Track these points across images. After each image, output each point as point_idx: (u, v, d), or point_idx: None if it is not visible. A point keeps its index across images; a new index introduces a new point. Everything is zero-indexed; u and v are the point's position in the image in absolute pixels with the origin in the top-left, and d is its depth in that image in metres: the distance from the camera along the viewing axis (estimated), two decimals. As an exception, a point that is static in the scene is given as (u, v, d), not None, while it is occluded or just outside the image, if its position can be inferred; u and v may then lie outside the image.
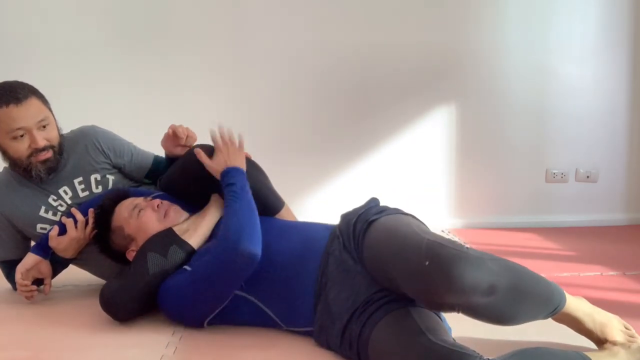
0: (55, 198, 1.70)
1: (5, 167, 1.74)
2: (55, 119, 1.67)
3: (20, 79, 2.84)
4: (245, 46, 2.77)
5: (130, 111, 2.79)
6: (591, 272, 2.05)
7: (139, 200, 1.56)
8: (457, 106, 2.87)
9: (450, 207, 2.93)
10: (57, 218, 1.69)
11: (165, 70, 2.78)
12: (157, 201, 1.54)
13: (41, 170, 1.62)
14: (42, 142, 1.59)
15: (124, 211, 1.53)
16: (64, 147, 1.69)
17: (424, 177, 2.87)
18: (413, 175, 2.89)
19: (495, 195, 2.94)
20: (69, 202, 1.71)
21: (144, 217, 1.50)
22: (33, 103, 1.59)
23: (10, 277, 1.73)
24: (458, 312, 1.11)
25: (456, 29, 2.86)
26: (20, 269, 1.61)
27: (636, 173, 3.08)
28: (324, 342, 1.32)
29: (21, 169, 1.63)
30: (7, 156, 1.63)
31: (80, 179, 1.72)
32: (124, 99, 2.78)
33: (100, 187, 1.73)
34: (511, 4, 2.93)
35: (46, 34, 2.72)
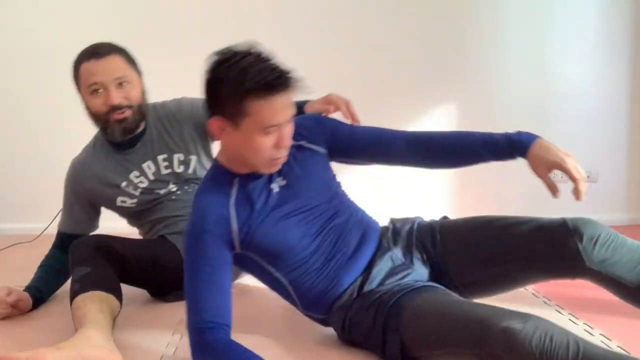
0: (137, 174, 1.70)
1: (94, 137, 1.77)
2: (141, 81, 1.67)
3: (20, 79, 2.86)
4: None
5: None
6: (591, 272, 2.04)
7: None
8: (457, 106, 2.87)
9: (450, 207, 2.92)
10: (136, 193, 1.70)
11: (167, 71, 2.78)
12: None
13: (116, 130, 1.61)
14: (116, 100, 1.57)
15: None
16: (146, 111, 1.68)
17: (424, 177, 2.87)
18: (413, 175, 2.89)
19: (495, 195, 2.94)
20: (152, 178, 1.71)
21: None
22: (114, 59, 1.59)
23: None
24: None
25: (456, 29, 2.86)
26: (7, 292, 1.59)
27: (636, 173, 3.08)
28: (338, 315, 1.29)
29: (100, 127, 1.66)
30: (88, 112, 1.65)
31: (165, 156, 1.71)
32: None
33: (182, 167, 1.72)
34: (511, 4, 2.93)
35: (46, 34, 2.72)
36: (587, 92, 3.01)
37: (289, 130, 1.21)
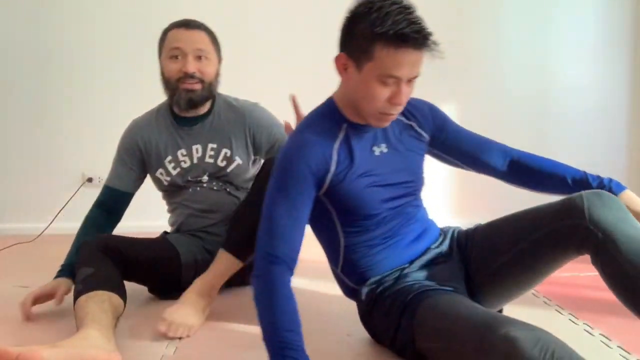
0: (184, 153, 1.73)
1: (159, 105, 1.81)
2: (219, 64, 1.72)
3: (19, 79, 2.85)
4: (247, 46, 2.77)
5: (132, 112, 2.79)
6: (591, 272, 2.03)
7: None
8: (457, 106, 2.87)
9: (450, 207, 2.93)
10: (175, 172, 1.74)
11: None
12: None
13: (182, 99, 1.65)
14: (192, 68, 1.62)
15: None
16: (215, 95, 1.73)
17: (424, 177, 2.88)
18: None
19: (496, 195, 2.93)
20: (195, 161, 1.73)
21: None
22: (201, 34, 1.66)
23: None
24: None
25: (456, 29, 2.86)
26: (34, 293, 1.55)
27: (636, 173, 3.08)
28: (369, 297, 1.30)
29: (169, 93, 1.69)
30: (162, 77, 1.69)
31: (215, 145, 1.73)
32: (125, 101, 2.79)
33: (224, 163, 1.74)
34: (511, 4, 2.93)
35: (46, 35, 2.72)
36: (587, 92, 3.01)
37: (407, 90, 1.19)
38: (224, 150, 1.74)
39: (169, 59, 1.65)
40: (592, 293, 1.78)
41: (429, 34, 1.14)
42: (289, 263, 1.18)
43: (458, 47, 2.88)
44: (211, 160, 1.74)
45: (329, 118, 1.27)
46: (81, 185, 2.77)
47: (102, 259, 1.47)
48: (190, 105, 1.68)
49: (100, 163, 2.81)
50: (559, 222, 1.20)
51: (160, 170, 1.75)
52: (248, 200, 1.58)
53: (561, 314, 1.57)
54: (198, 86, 1.65)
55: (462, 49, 2.87)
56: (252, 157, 1.80)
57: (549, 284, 1.87)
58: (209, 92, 1.70)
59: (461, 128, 1.43)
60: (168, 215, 1.90)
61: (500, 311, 1.40)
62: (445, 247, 1.37)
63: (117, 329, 1.42)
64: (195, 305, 1.46)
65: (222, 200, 1.75)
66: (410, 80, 1.18)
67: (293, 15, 2.80)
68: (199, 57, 1.65)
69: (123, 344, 1.37)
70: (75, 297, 1.38)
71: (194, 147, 1.73)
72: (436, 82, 2.93)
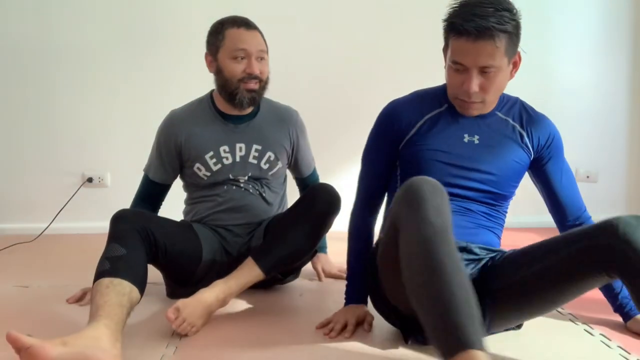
0: (226, 149, 1.72)
1: (198, 99, 1.80)
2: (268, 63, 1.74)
3: (19, 80, 2.86)
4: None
5: (132, 113, 2.79)
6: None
7: None
8: (457, 106, 2.87)
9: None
10: (216, 168, 1.71)
11: (166, 72, 2.79)
12: None
13: (245, 98, 1.66)
14: (256, 70, 1.65)
15: None
16: (265, 90, 1.73)
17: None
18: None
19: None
20: (237, 159, 1.72)
21: None
22: (259, 35, 1.69)
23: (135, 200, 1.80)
24: None
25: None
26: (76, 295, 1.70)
27: (636, 173, 3.08)
28: None
29: (227, 92, 1.68)
30: (220, 76, 1.68)
31: (259, 147, 1.73)
32: (124, 101, 2.79)
33: (267, 166, 1.74)
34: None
35: (46, 35, 2.72)
36: (587, 92, 3.01)
37: (478, 80, 1.28)
38: (269, 154, 1.74)
39: (231, 59, 1.65)
40: (592, 293, 1.77)
41: (485, 27, 1.23)
42: (373, 212, 1.52)
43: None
44: (254, 162, 1.74)
45: (434, 95, 1.45)
46: (81, 185, 2.78)
47: (137, 243, 1.47)
48: (252, 103, 1.70)
49: (100, 163, 2.82)
50: (591, 240, 1.16)
51: (198, 164, 1.72)
52: (300, 223, 1.57)
53: (561, 314, 1.57)
54: (258, 86, 1.67)
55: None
56: (287, 162, 1.83)
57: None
58: (264, 90, 1.73)
59: (564, 172, 1.45)
60: (181, 206, 1.87)
61: (519, 326, 1.38)
62: (473, 269, 1.32)
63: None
64: (208, 307, 1.45)
65: (254, 203, 1.75)
66: (483, 71, 1.28)
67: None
68: (262, 58, 1.68)
69: (124, 342, 1.37)
70: (99, 274, 1.37)
71: (238, 145, 1.73)
72: (436, 82, 2.94)
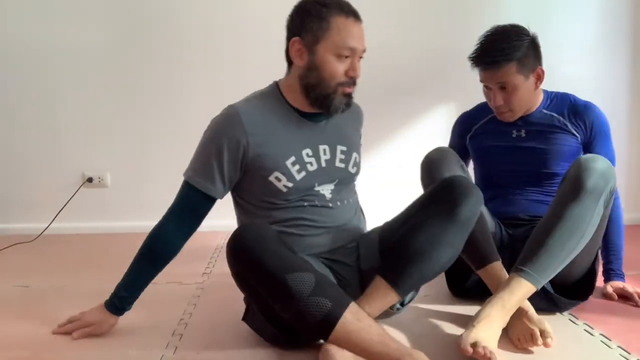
0: (310, 153, 1.40)
1: (261, 91, 1.45)
2: None
3: (19, 80, 2.86)
4: (247, 46, 2.77)
5: (132, 113, 2.79)
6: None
7: None
8: (457, 106, 2.87)
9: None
10: (298, 176, 1.37)
11: (166, 72, 2.79)
12: None
13: (342, 104, 1.37)
14: (359, 73, 1.38)
15: None
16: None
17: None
18: (413, 176, 2.90)
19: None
20: (323, 165, 1.41)
21: None
22: (362, 27, 1.41)
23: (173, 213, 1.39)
24: None
25: (457, 29, 2.86)
26: (78, 322, 1.44)
27: (636, 173, 3.08)
28: None
29: (319, 93, 1.35)
30: (313, 73, 1.34)
31: (345, 148, 1.46)
32: (125, 101, 2.79)
33: (355, 169, 1.49)
34: (511, 4, 2.93)
35: (46, 35, 2.72)
36: (587, 92, 2.98)
37: (494, 96, 1.64)
38: (354, 155, 1.48)
39: (335, 56, 1.33)
40: (592, 293, 1.78)
41: (491, 62, 1.60)
42: None
43: (458, 47, 2.88)
44: (342, 165, 1.44)
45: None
46: (81, 185, 2.78)
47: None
48: (347, 107, 1.41)
49: (100, 163, 2.82)
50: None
51: (277, 173, 1.36)
52: (443, 234, 1.31)
53: (561, 314, 1.57)
54: (353, 89, 1.41)
55: (462, 50, 2.87)
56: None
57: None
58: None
59: (607, 154, 1.64)
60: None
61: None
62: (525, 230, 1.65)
63: (117, 329, 1.43)
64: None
65: (347, 216, 1.46)
66: (502, 87, 1.62)
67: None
68: (360, 57, 1.41)
69: (124, 343, 1.38)
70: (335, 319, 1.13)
71: (321, 148, 1.42)
72: (436, 82, 2.94)
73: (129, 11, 2.75)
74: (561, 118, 1.69)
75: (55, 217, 2.68)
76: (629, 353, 1.30)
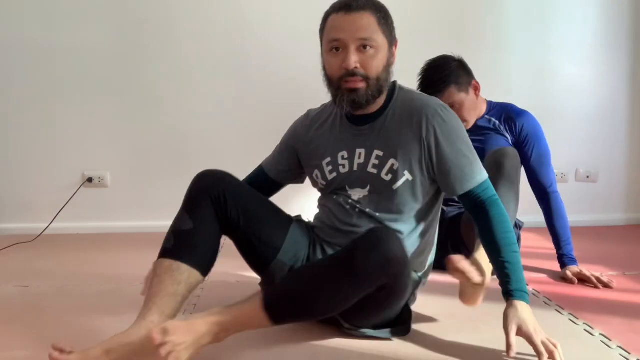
0: (345, 156, 1.44)
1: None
2: (389, 51, 1.40)
3: (19, 79, 2.86)
4: (247, 48, 2.78)
5: (132, 113, 2.79)
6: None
7: None
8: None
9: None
10: (331, 177, 1.46)
11: (166, 73, 2.79)
12: None
13: (346, 101, 1.35)
14: (353, 64, 1.30)
15: None
16: (383, 89, 1.40)
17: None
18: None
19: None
20: (355, 168, 1.42)
21: None
22: (364, 16, 1.31)
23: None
24: None
25: (456, 29, 2.86)
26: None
27: (636, 173, 3.09)
28: None
29: (331, 93, 1.40)
30: (325, 73, 1.40)
31: (381, 153, 1.40)
32: (125, 101, 2.79)
33: (389, 177, 1.39)
34: (511, 4, 2.93)
35: (46, 35, 2.72)
36: (587, 92, 3.01)
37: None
38: (391, 161, 1.38)
39: (328, 52, 1.35)
40: (592, 293, 1.78)
41: (432, 91, 1.89)
42: None
43: (458, 47, 2.89)
44: (374, 171, 1.40)
45: None
46: (81, 185, 2.78)
47: (208, 215, 1.35)
48: (354, 107, 1.37)
49: (100, 163, 2.82)
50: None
51: (317, 172, 1.50)
52: (335, 278, 1.19)
53: (561, 314, 1.57)
54: (362, 84, 1.33)
55: (462, 50, 2.87)
56: (428, 175, 1.40)
57: (549, 284, 1.88)
58: (377, 89, 1.36)
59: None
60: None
61: None
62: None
63: (116, 328, 1.42)
64: (199, 339, 1.16)
65: (362, 228, 1.40)
66: (453, 107, 1.90)
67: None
68: (363, 47, 1.32)
69: (124, 343, 1.37)
70: (162, 253, 1.31)
71: (358, 151, 1.42)
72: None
73: (129, 11, 2.75)
74: (497, 122, 2.04)
75: (55, 217, 2.68)
76: (629, 353, 1.30)
